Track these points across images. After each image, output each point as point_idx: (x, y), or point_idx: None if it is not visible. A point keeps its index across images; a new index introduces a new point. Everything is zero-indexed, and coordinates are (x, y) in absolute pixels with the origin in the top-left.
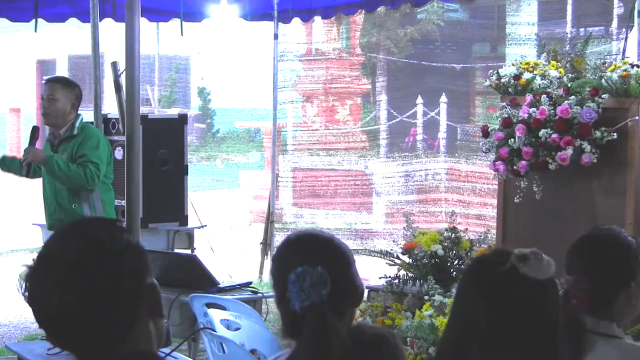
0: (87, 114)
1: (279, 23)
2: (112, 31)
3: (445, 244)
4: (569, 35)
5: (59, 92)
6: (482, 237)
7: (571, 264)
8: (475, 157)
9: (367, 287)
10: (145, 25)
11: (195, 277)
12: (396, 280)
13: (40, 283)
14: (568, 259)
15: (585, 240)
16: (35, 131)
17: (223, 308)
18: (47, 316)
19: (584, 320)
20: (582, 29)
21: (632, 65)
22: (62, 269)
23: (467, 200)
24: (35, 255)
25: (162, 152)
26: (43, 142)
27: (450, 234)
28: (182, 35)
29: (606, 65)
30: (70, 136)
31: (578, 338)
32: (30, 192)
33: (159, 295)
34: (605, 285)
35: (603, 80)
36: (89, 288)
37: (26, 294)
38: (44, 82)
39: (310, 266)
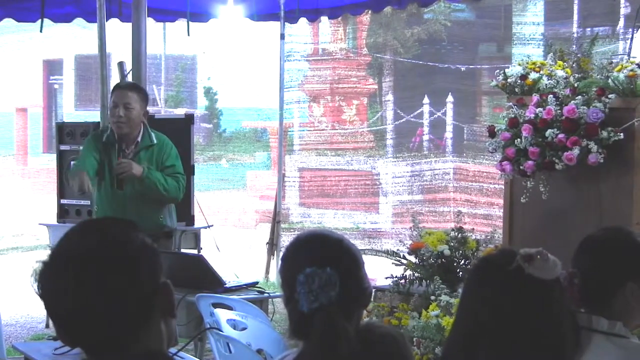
0: (94, 114)
1: (286, 23)
2: (118, 31)
3: (452, 244)
4: (575, 35)
5: (135, 101)
6: (488, 237)
7: (573, 260)
8: (481, 157)
9: (373, 287)
10: (151, 26)
11: (201, 277)
12: (403, 281)
13: (56, 279)
14: (573, 256)
15: (588, 238)
16: (121, 141)
17: (229, 308)
18: (61, 312)
19: (585, 317)
20: (588, 29)
21: (639, 65)
22: (80, 265)
23: (473, 200)
24: (40, 252)
25: None
26: (94, 145)
27: (456, 233)
28: (188, 35)
29: (613, 65)
30: (150, 145)
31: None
32: (34, 192)
33: (173, 295)
34: (597, 282)
35: (610, 80)
36: (106, 285)
37: (40, 290)
38: (114, 87)
39: (319, 267)
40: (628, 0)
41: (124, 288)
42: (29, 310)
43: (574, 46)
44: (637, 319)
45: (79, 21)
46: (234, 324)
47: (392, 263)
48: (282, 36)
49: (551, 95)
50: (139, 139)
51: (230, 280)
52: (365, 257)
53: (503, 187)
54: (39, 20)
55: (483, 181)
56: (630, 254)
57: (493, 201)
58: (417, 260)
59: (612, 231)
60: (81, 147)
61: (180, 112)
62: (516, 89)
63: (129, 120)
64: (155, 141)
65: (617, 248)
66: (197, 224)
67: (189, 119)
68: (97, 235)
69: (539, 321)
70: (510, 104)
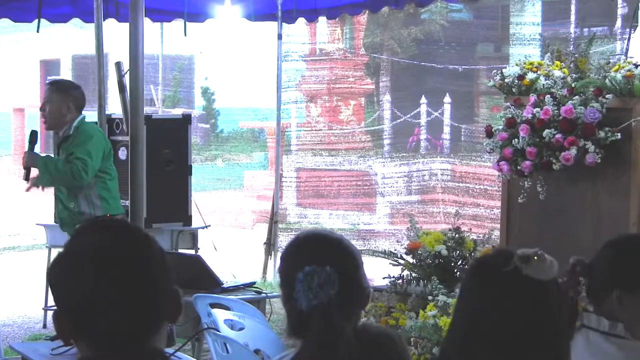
0: (91, 115)
1: (283, 23)
2: (115, 31)
3: (449, 244)
4: (572, 35)
5: (52, 95)
6: (486, 237)
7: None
8: (479, 157)
9: (371, 288)
10: (148, 26)
11: (199, 277)
12: (400, 281)
13: (75, 274)
14: None
15: (613, 238)
16: (33, 135)
17: (227, 308)
18: (76, 306)
19: (587, 316)
20: (585, 29)
21: (636, 65)
22: (108, 262)
23: (470, 200)
24: (37, 253)
25: (166, 152)
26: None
27: (453, 234)
28: (185, 35)
29: (610, 65)
30: (68, 136)
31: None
32: (31, 192)
33: (181, 301)
34: (592, 282)
35: (607, 80)
36: (132, 284)
37: (56, 282)
38: None
39: (318, 266)
40: (625, 1)
41: (148, 288)
42: (26, 310)
43: (572, 46)
44: (626, 322)
45: (76, 21)
46: (231, 324)
47: (390, 263)
48: (280, 36)
49: (548, 96)
50: (61, 133)
51: (227, 280)
52: (363, 258)
53: (500, 187)
54: (36, 20)
55: (480, 182)
56: (620, 263)
57: (489, 202)
58: (414, 260)
59: (632, 238)
60: None
61: (177, 112)
62: (513, 89)
63: (47, 114)
64: (71, 132)
65: (619, 254)
66: (194, 224)
67: (186, 119)
68: (123, 233)
69: (536, 322)
70: (508, 104)
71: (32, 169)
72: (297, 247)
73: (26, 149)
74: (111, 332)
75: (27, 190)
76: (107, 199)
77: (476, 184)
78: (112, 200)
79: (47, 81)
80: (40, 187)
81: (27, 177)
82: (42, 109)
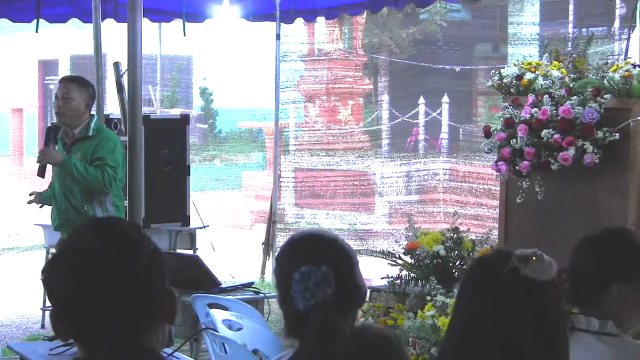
0: None
1: (281, 23)
2: (114, 31)
3: (447, 244)
4: (571, 36)
5: (74, 92)
6: (484, 238)
7: (570, 257)
8: (482, 157)
9: (369, 288)
10: (147, 26)
11: (197, 277)
12: (398, 281)
13: (71, 275)
14: (570, 253)
15: (585, 236)
16: (50, 132)
17: (225, 308)
18: (72, 306)
19: (576, 317)
20: (584, 29)
21: (634, 66)
22: (102, 263)
23: (473, 200)
24: (35, 253)
25: (164, 152)
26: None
27: (452, 234)
28: (184, 35)
29: (608, 65)
30: (85, 137)
31: None
32: (32, 192)
33: (176, 303)
34: (585, 281)
35: (605, 81)
36: (123, 284)
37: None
38: (58, 81)
39: (314, 265)
40: (624, 1)
41: (139, 288)
42: (24, 310)
43: (570, 46)
44: (630, 320)
45: (74, 21)
46: (229, 325)
47: (388, 263)
48: (278, 36)
49: (547, 96)
50: (76, 131)
51: (225, 280)
52: (360, 258)
53: (497, 187)
54: (35, 21)
55: (478, 182)
56: (617, 256)
57: (489, 202)
58: (412, 260)
59: (609, 232)
60: None
61: (176, 112)
62: (512, 89)
63: (67, 110)
64: (91, 134)
65: (606, 249)
66: (192, 225)
67: (185, 119)
68: (117, 234)
69: (534, 322)
70: (506, 104)
71: (46, 166)
72: (292, 247)
73: (43, 145)
74: (102, 331)
75: (29, 203)
76: (119, 206)
77: (480, 183)
78: (122, 208)
79: (65, 76)
80: (40, 205)
81: (42, 174)
82: (58, 104)
